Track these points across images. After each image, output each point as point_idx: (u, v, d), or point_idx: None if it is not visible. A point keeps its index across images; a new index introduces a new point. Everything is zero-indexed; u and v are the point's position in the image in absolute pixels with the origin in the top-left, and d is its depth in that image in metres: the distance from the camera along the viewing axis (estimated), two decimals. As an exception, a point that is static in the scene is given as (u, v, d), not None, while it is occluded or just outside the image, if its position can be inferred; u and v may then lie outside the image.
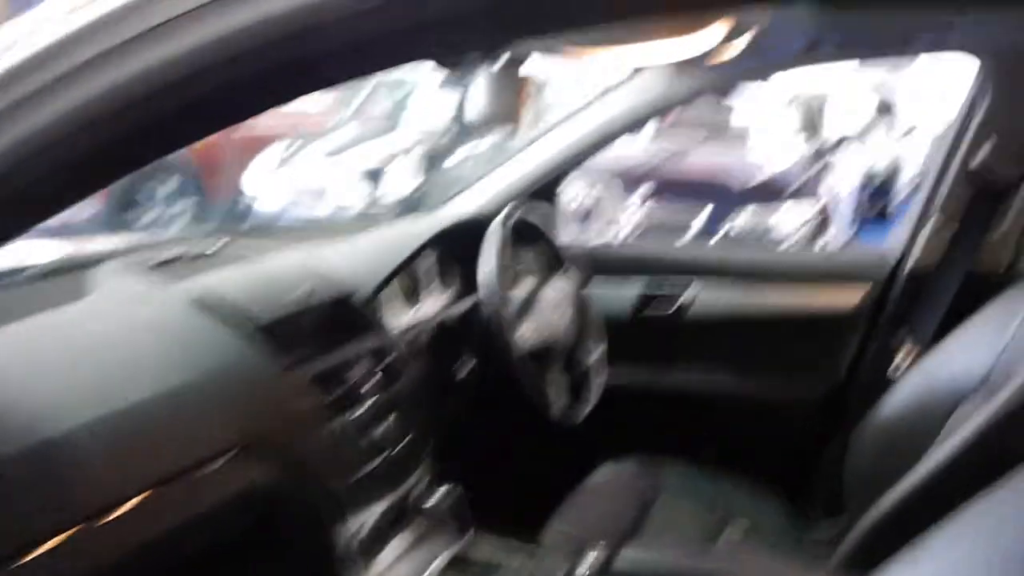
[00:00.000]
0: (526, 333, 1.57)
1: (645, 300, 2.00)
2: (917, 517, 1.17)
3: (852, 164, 5.47)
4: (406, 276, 1.62)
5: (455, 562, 1.36)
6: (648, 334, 2.00)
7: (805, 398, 1.92)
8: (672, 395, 1.99)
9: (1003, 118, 1.66)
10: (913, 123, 7.78)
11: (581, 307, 1.76)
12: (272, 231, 1.96)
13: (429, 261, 1.69)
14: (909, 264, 1.80)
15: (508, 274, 1.56)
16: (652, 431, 1.93)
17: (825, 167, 4.92)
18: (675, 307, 1.97)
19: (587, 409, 1.66)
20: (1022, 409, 1.09)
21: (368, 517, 1.31)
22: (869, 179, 6.13)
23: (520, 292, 1.63)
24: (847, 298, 1.89)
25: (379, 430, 1.33)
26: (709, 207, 4.19)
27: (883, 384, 1.73)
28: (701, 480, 1.74)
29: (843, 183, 4.98)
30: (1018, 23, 1.58)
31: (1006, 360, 1.29)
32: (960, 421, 1.30)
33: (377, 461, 1.32)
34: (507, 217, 1.60)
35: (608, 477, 1.75)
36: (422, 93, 6.95)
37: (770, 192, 4.42)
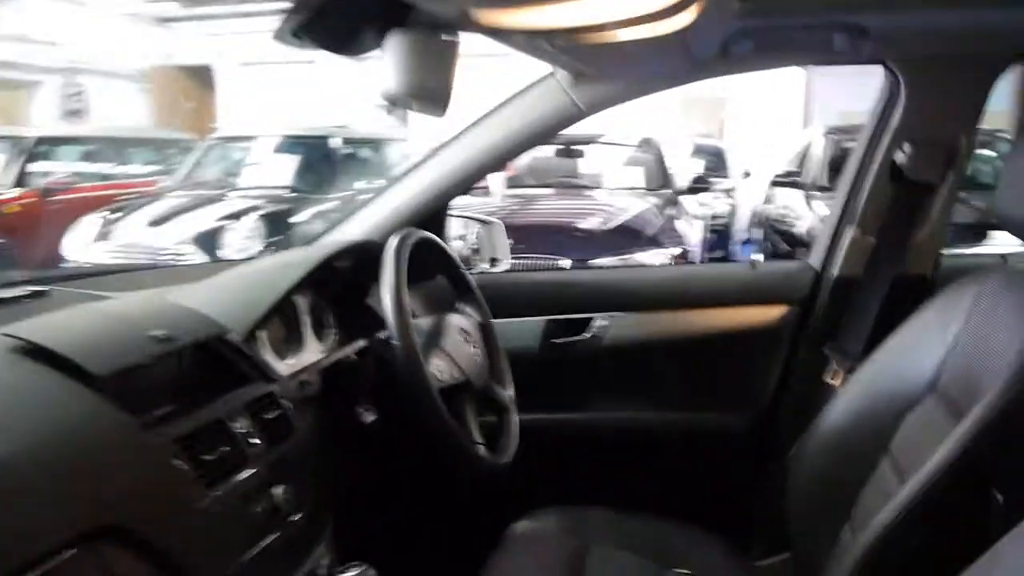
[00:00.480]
0: (437, 370, 1.32)
1: (550, 334, 1.81)
2: (915, 538, 1.03)
3: (697, 211, 5.61)
4: (287, 314, 1.34)
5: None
6: (556, 371, 1.80)
7: (733, 427, 1.77)
8: (589, 436, 1.80)
9: (917, 124, 1.63)
10: (747, 168, 8.21)
11: (489, 340, 1.54)
12: (108, 279, 1.59)
13: (312, 296, 1.41)
14: (833, 276, 1.71)
15: (411, 303, 1.32)
16: (570, 477, 1.72)
17: (676, 214, 4.98)
18: (584, 340, 1.79)
19: (512, 451, 1.42)
20: (1004, 420, 1.01)
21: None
22: (712, 224, 6.34)
23: (424, 324, 1.39)
24: (768, 317, 1.77)
25: (268, 500, 1.04)
26: (570, 255, 4.07)
27: (814, 404, 1.61)
28: (632, 526, 1.55)
29: (693, 229, 5.07)
30: (929, 28, 1.55)
31: (954, 363, 1.21)
32: (917, 430, 1.22)
33: (268, 540, 1.03)
34: (404, 240, 1.37)
35: (529, 532, 1.52)
36: (257, 155, 6.59)
37: (628, 238, 4.38)
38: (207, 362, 1.10)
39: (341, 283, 1.49)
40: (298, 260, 1.43)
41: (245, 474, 1.02)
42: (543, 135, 1.71)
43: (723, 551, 1.54)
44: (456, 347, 1.40)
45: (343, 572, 1.05)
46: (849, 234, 1.68)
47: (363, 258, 1.45)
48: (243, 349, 1.15)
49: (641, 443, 1.79)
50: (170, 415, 0.98)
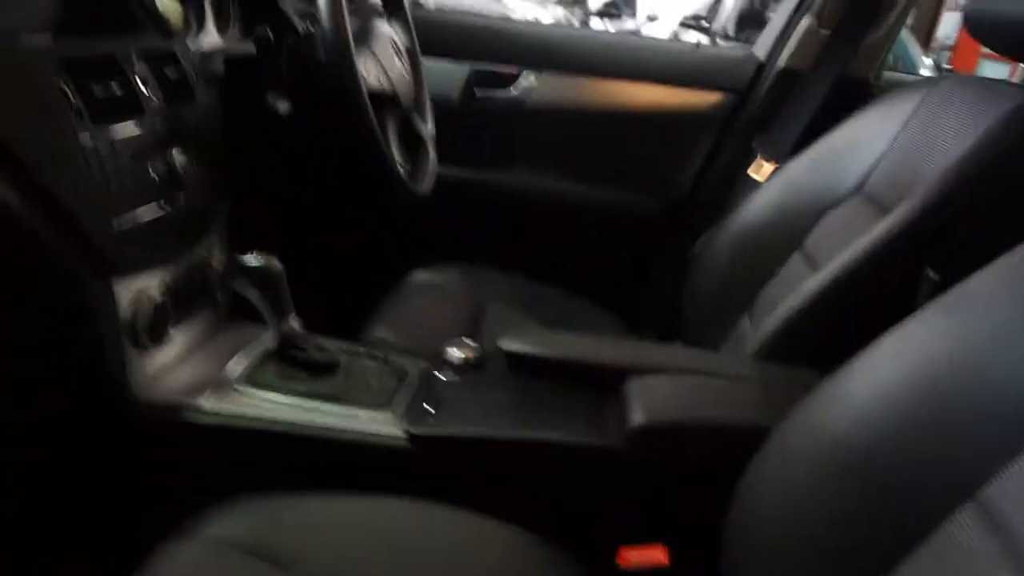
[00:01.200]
0: (365, 70, 1.16)
1: (474, 83, 1.67)
2: (824, 323, 1.02)
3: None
4: None
5: (274, 357, 0.96)
6: (475, 124, 1.67)
7: (646, 209, 1.72)
8: (498, 197, 1.70)
9: None
10: (651, 13, 8.02)
11: (415, 65, 1.38)
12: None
13: None
14: (776, 67, 1.63)
15: None
16: (476, 235, 1.64)
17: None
18: (510, 96, 1.66)
19: (429, 185, 1.31)
20: (923, 223, 0.99)
21: (146, 285, 0.88)
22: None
23: (353, 21, 1.21)
24: (702, 102, 1.69)
25: (163, 162, 0.89)
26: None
27: (732, 197, 1.58)
28: (528, 289, 1.50)
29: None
30: None
31: (886, 166, 1.18)
32: (835, 227, 1.20)
33: (162, 207, 0.89)
34: None
35: (427, 281, 1.44)
36: None
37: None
38: None
39: None
40: None
41: (139, 125, 0.86)
42: None
43: (615, 326, 1.52)
44: (386, 56, 1.24)
45: (245, 257, 0.92)
46: (803, 25, 1.60)
47: None
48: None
49: (550, 212, 1.72)
50: (59, 30, 0.81)
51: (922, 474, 0.58)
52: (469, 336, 1.03)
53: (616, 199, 1.72)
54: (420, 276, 1.45)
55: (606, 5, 5.38)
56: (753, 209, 1.35)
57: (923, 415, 0.60)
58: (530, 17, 4.48)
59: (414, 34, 1.41)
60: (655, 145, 1.71)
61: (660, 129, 1.70)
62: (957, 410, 0.58)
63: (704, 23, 5.92)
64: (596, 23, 5.24)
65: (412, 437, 0.86)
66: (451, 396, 0.93)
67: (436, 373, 0.97)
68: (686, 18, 6.15)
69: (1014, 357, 0.56)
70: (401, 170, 1.20)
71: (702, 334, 1.33)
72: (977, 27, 1.07)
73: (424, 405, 0.91)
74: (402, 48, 1.33)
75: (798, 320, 1.04)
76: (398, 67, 1.27)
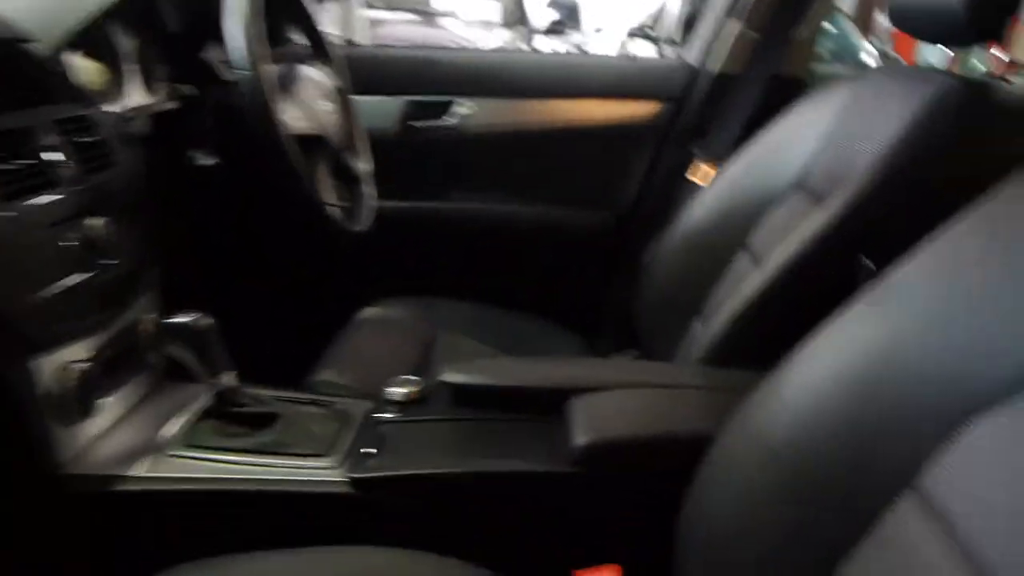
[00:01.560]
0: (290, 116, 1.16)
1: (410, 116, 1.66)
2: (767, 320, 1.02)
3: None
4: (108, 53, 1.13)
5: (212, 414, 0.94)
6: (414, 156, 1.67)
7: (593, 224, 1.72)
8: (445, 226, 1.69)
9: None
10: (598, 25, 8.08)
11: (345, 104, 1.38)
12: None
13: (135, 38, 1.18)
14: (709, 72, 1.65)
15: (264, 43, 1.13)
16: (424, 267, 1.64)
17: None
18: (447, 125, 1.66)
19: (366, 223, 1.30)
20: (856, 213, 1.01)
21: (72, 356, 0.86)
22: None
23: (274, 69, 1.20)
24: (640, 113, 1.70)
25: (82, 232, 0.88)
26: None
27: (676, 203, 1.59)
28: (484, 316, 1.49)
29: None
30: None
31: (822, 160, 1.20)
32: (777, 222, 1.21)
33: (82, 277, 0.87)
34: None
35: (377, 317, 1.43)
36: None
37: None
38: (10, 62, 0.89)
39: (170, 33, 1.27)
40: None
41: (53, 196, 0.85)
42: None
43: (573, 345, 1.52)
44: (311, 99, 1.24)
45: (178, 318, 0.90)
46: (732, 28, 1.61)
47: (197, 10, 1.23)
48: (48, 64, 0.95)
49: (500, 236, 1.71)
50: None
51: (861, 469, 0.58)
52: (420, 370, 1.02)
53: (564, 217, 1.72)
54: (368, 313, 1.44)
55: (552, 23, 5.41)
56: (696, 214, 1.36)
57: (857, 409, 0.59)
58: (476, 41, 4.51)
59: (345, 73, 1.41)
60: (597, 159, 1.71)
61: (601, 143, 1.71)
62: (889, 401, 0.58)
63: (651, 32, 5.98)
64: (542, 41, 5.26)
65: (355, 482, 0.85)
66: (394, 435, 0.91)
67: (379, 413, 0.96)
68: (632, 29, 6.22)
69: (938, 343, 0.56)
70: (334, 210, 1.19)
71: (659, 343, 1.33)
72: (900, 18, 1.08)
73: (366, 448, 0.89)
74: (331, 88, 1.33)
75: (743, 320, 1.05)
76: (325, 108, 1.27)
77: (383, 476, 0.85)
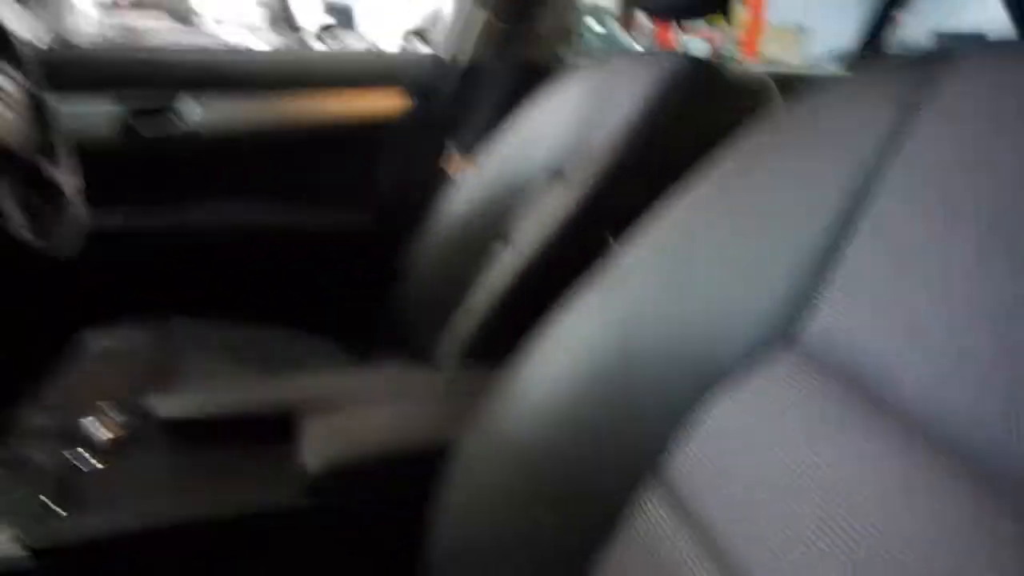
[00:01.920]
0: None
1: (136, 119, 1.49)
2: (522, 310, 0.99)
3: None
4: None
5: None
6: (137, 164, 1.50)
7: (350, 226, 1.62)
8: (179, 239, 1.53)
9: None
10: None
11: (40, 113, 1.20)
12: None
13: None
14: (458, 64, 1.61)
15: None
16: (156, 286, 1.47)
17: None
18: (173, 127, 1.50)
19: (73, 244, 1.13)
20: (599, 192, 1.01)
21: None
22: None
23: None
24: (388, 107, 1.62)
25: None
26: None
27: (435, 198, 1.53)
28: (233, 336, 1.36)
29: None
30: None
31: (568, 145, 1.21)
32: (530, 209, 1.22)
33: None
34: None
35: (99, 341, 1.26)
36: None
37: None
38: None
39: None
40: None
41: None
42: None
43: (339, 354, 1.42)
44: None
45: None
46: (480, 20, 1.58)
47: None
48: None
49: (249, 246, 1.57)
50: None
51: (606, 462, 0.54)
52: (139, 404, 0.88)
53: (319, 221, 1.61)
54: (90, 336, 1.26)
55: (323, 28, 5.26)
56: (454, 207, 1.33)
57: (594, 401, 0.56)
58: (240, 45, 4.28)
59: (36, 75, 1.22)
60: (346, 159, 1.62)
61: (348, 141, 1.61)
62: (624, 389, 0.54)
63: (427, 34, 5.96)
64: (316, 46, 5.10)
65: (36, 553, 0.70)
66: (91, 487, 0.78)
67: (77, 461, 0.81)
68: (407, 33, 6.17)
69: (676, 318, 0.53)
70: (25, 232, 1.02)
71: (426, 342, 1.27)
72: None
73: (53, 507, 0.75)
74: (16, 94, 1.14)
75: (500, 308, 1.02)
76: (7, 116, 1.09)
77: (73, 542, 0.71)
